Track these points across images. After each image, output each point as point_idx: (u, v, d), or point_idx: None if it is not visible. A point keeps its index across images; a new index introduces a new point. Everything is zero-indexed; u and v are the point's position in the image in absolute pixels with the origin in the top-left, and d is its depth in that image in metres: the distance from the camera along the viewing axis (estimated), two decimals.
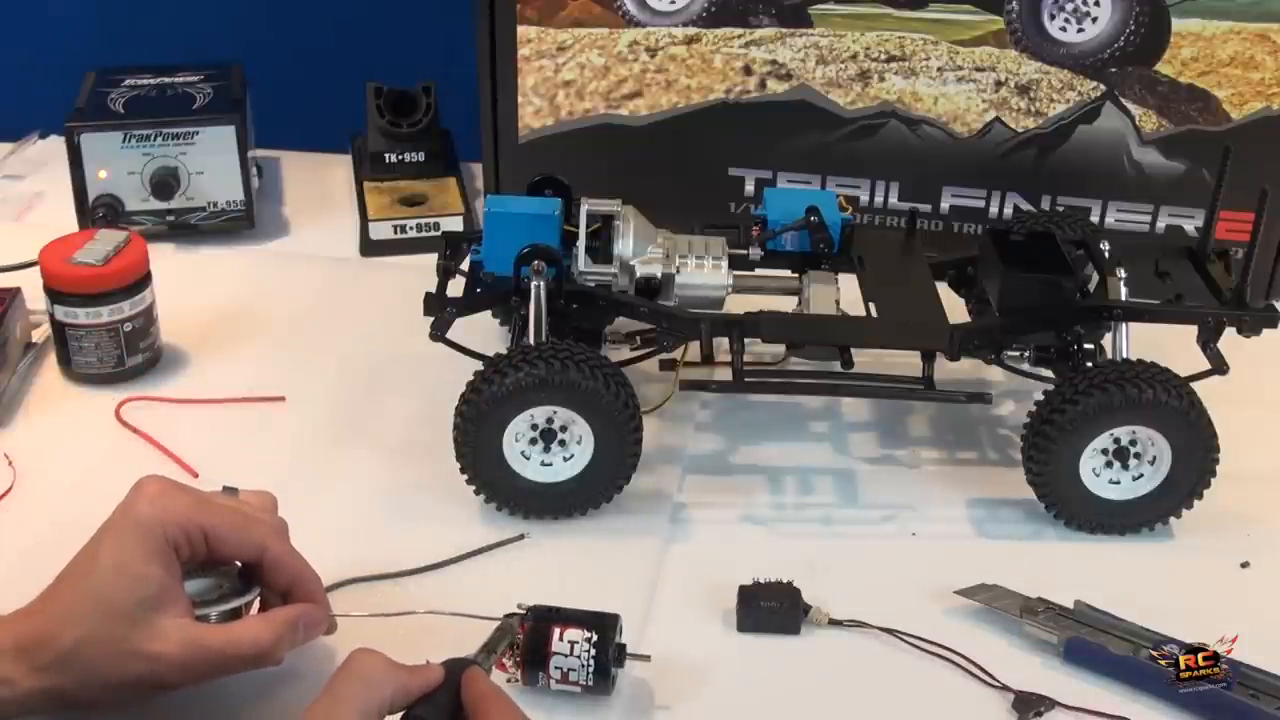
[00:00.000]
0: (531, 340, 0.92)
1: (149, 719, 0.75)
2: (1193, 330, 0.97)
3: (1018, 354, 1.01)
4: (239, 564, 0.77)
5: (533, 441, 0.92)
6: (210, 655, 0.72)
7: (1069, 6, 1.19)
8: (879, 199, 1.28)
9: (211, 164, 1.27)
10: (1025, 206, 1.25)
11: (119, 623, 0.70)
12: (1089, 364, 0.97)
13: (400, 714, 0.67)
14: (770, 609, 0.84)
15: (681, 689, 0.80)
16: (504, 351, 0.91)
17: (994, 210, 1.26)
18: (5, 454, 0.98)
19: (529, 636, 0.76)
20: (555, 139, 1.30)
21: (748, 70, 1.25)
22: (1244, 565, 0.92)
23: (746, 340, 0.96)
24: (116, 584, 0.71)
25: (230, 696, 0.77)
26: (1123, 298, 0.98)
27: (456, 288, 1.01)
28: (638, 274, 0.99)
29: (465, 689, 0.68)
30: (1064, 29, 1.20)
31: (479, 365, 0.91)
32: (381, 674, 0.67)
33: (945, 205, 1.27)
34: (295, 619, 0.75)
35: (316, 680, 0.68)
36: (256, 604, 0.77)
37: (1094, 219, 1.23)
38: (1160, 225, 1.24)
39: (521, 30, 1.26)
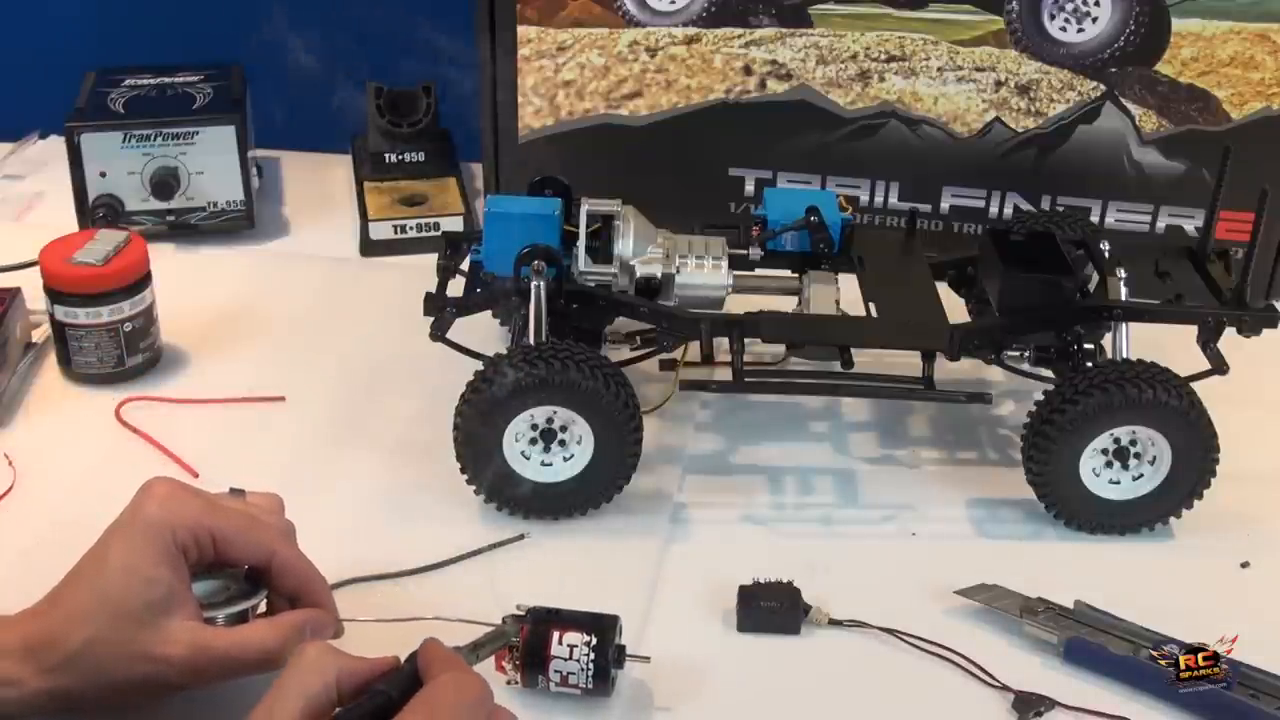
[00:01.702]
0: (531, 340, 0.92)
1: (152, 709, 0.76)
2: (1193, 330, 0.97)
3: (1018, 354, 1.01)
4: (246, 586, 0.77)
5: (533, 441, 0.92)
6: (217, 659, 0.72)
7: (1069, 6, 1.19)
8: (879, 199, 1.28)
9: (211, 164, 1.27)
10: (1025, 206, 1.25)
11: (127, 624, 0.70)
12: (1089, 364, 0.97)
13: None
14: (770, 609, 0.85)
15: (681, 689, 0.80)
16: (504, 351, 0.91)
17: (994, 210, 1.26)
18: (5, 454, 0.98)
19: (528, 639, 0.76)
20: (555, 139, 1.30)
21: (748, 70, 1.25)
22: (1244, 565, 0.92)
23: (746, 340, 0.96)
24: (125, 586, 0.71)
25: (235, 701, 0.77)
26: (1123, 298, 0.98)
27: (456, 288, 1.01)
28: (638, 274, 0.99)
29: (420, 655, 0.68)
30: (1064, 29, 1.20)
31: (479, 365, 0.92)
32: (324, 659, 0.66)
33: (945, 205, 1.27)
34: (302, 623, 0.75)
35: None
36: (263, 605, 0.77)
37: (1094, 219, 1.23)
38: (1160, 225, 1.24)
39: (521, 30, 1.26)
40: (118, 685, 0.71)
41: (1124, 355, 0.95)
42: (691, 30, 1.25)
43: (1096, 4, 1.18)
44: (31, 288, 1.11)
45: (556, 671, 0.76)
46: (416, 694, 0.65)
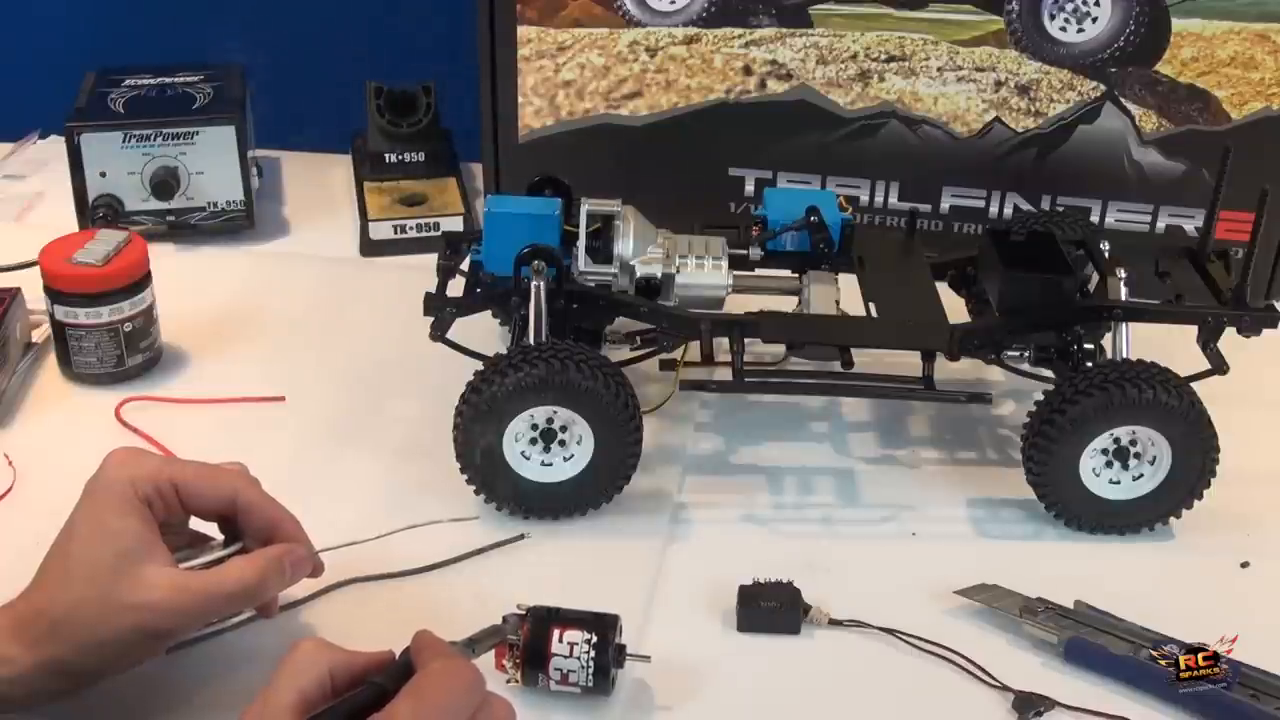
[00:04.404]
0: (531, 340, 0.92)
1: (153, 710, 0.76)
2: (1193, 330, 0.97)
3: (1018, 354, 1.01)
4: (221, 541, 0.79)
5: (533, 441, 0.92)
6: (198, 596, 0.73)
7: (1069, 6, 1.19)
8: (879, 199, 1.28)
9: (211, 164, 1.27)
10: (1025, 206, 1.25)
11: (103, 579, 0.71)
12: (1089, 364, 0.97)
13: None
14: (770, 609, 0.84)
15: (681, 689, 0.80)
16: (504, 351, 0.91)
17: (994, 210, 1.26)
18: (5, 454, 0.98)
19: (528, 637, 0.76)
20: (555, 139, 1.30)
21: (748, 70, 1.25)
22: (1244, 565, 0.92)
23: (746, 340, 0.96)
24: (95, 543, 0.72)
25: (230, 697, 0.77)
26: (1123, 298, 0.98)
27: (456, 288, 1.01)
28: (638, 274, 0.99)
29: (413, 644, 0.68)
30: (1064, 29, 1.20)
31: (479, 365, 0.92)
32: (317, 652, 0.67)
33: (945, 205, 1.27)
34: (279, 556, 0.77)
35: None
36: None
37: (1094, 219, 1.23)
38: (1160, 225, 1.24)
39: (521, 30, 1.26)
40: (108, 643, 0.72)
41: (1124, 355, 0.95)
42: (691, 30, 1.25)
43: (1096, 4, 1.18)
44: (31, 288, 1.11)
45: (556, 670, 0.76)
46: (407, 682, 0.65)
